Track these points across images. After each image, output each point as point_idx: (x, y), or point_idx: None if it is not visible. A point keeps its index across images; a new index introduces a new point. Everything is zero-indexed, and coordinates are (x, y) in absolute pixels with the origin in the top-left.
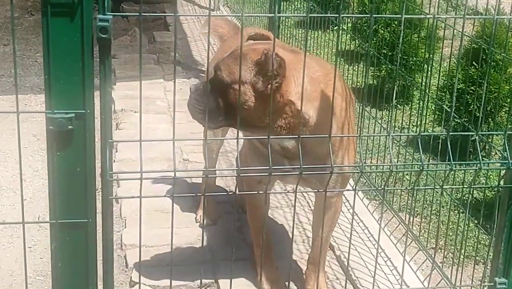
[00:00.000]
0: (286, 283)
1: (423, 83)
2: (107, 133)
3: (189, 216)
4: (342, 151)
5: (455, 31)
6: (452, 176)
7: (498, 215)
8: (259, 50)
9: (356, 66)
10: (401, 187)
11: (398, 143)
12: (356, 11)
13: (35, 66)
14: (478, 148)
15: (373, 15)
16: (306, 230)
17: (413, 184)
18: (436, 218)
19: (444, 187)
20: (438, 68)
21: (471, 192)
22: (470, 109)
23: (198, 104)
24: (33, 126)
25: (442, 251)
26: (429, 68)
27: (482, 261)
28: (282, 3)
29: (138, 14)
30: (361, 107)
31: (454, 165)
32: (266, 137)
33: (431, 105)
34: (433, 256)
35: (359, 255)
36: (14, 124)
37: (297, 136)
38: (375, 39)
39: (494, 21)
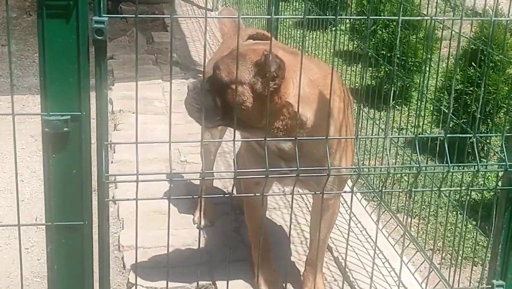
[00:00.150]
0: (284, 284)
1: (421, 84)
2: (103, 135)
3: (186, 217)
4: (339, 153)
5: (457, 32)
6: (450, 177)
7: (496, 217)
8: (259, 51)
9: (355, 67)
10: (399, 188)
11: (396, 145)
12: (354, 12)
13: (33, 67)
14: (476, 150)
15: (370, 17)
16: (304, 231)
17: (412, 186)
18: (435, 219)
19: (441, 189)
20: (437, 69)
21: (469, 194)
22: (469, 110)
23: (196, 103)
24: (31, 127)
25: (440, 252)
26: (425, 68)
27: (480, 262)
28: (280, 3)
29: (134, 15)
30: (359, 108)
31: (451, 167)
32: (263, 139)
33: (430, 106)
34: (431, 257)
35: (357, 257)
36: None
37: (294, 138)
38: (374, 40)
39: (491, 23)
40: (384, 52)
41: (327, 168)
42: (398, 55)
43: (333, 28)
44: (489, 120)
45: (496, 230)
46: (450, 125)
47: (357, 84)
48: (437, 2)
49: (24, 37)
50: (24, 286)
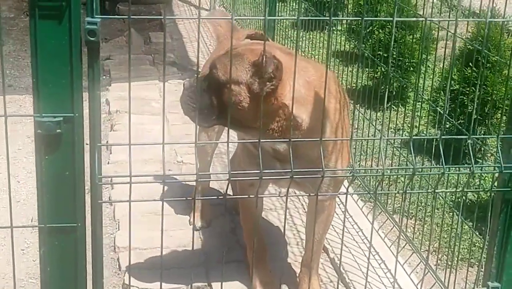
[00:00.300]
0: (279, 286)
1: (417, 85)
2: (96, 136)
3: (183, 218)
4: (335, 154)
5: (454, 33)
6: (447, 178)
7: (491, 219)
8: (256, 51)
9: (352, 68)
10: (394, 190)
11: (392, 146)
12: (352, 12)
13: (30, 67)
14: (471, 151)
15: (364, 18)
16: (300, 232)
17: (406, 187)
18: (431, 220)
19: (436, 190)
20: (434, 69)
21: (465, 195)
22: (466, 111)
23: (191, 102)
24: (28, 128)
25: (436, 253)
26: (419, 69)
27: (476, 263)
28: (278, 4)
29: (127, 16)
30: (355, 109)
31: (446, 169)
32: (257, 140)
33: (426, 107)
34: (426, 258)
35: (353, 258)
36: (9, 125)
37: (288, 139)
38: (370, 40)
39: (486, 24)
40: (381, 53)
41: (321, 169)
42: (394, 56)
43: (331, 29)
44: (487, 121)
45: (491, 232)
46: (447, 126)
47: (354, 85)
48: (433, 3)
49: (21, 38)
50: (20, 288)
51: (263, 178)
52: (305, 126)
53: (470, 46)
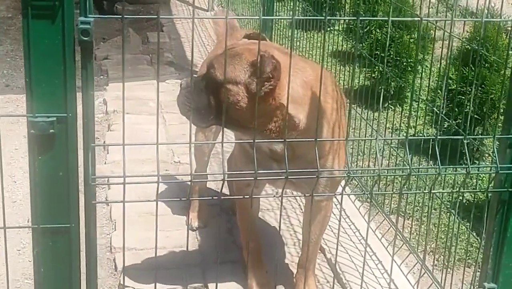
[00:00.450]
0: (275, 286)
1: (413, 84)
2: (90, 137)
3: (180, 218)
4: (332, 155)
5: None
6: (443, 178)
7: (487, 220)
8: (254, 50)
9: (350, 68)
10: (390, 190)
11: (389, 146)
12: (350, 12)
13: None
14: (467, 152)
15: (360, 18)
16: (297, 232)
17: (401, 188)
18: (427, 221)
19: (432, 191)
20: (432, 69)
21: (462, 195)
22: (464, 110)
23: (188, 101)
24: (24, 128)
25: (433, 254)
26: (415, 69)
27: (473, 264)
28: (276, 4)
29: (126, 16)
30: (351, 109)
31: (442, 169)
32: (253, 141)
33: (423, 107)
34: (423, 259)
35: (350, 258)
36: (6, 125)
37: (285, 140)
38: (368, 40)
39: (482, 24)
40: (379, 53)
41: (316, 170)
42: (390, 56)
43: (328, 29)
44: (485, 120)
45: (487, 233)
46: (446, 126)
47: (351, 85)
48: (429, 2)
49: (19, 38)
50: (15, 288)
51: (258, 178)
52: (302, 127)
53: (467, 46)
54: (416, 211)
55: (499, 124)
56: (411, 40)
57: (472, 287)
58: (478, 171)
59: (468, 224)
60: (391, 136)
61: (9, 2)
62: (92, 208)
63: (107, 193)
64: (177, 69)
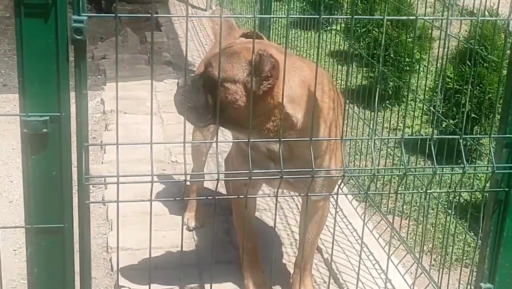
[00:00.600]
0: (272, 286)
1: (409, 84)
2: (83, 136)
3: (177, 218)
4: (329, 155)
5: (447, 31)
6: (440, 178)
7: (484, 220)
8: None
9: (347, 67)
10: (386, 190)
11: (387, 145)
12: (348, 11)
13: None
14: (463, 151)
15: (355, 16)
16: (294, 232)
17: (398, 188)
18: (424, 221)
19: (428, 190)
20: (431, 69)
21: (459, 195)
22: (460, 110)
23: (185, 100)
24: None
25: (431, 254)
26: (412, 67)
27: (471, 263)
28: (274, 3)
29: (121, 14)
30: (348, 108)
31: (437, 169)
32: (252, 140)
33: (422, 106)
34: (419, 259)
35: (347, 258)
36: (3, 125)
37: (282, 139)
38: (367, 39)
39: (477, 22)
40: (377, 52)
41: (311, 169)
42: (389, 55)
43: (327, 29)
44: (483, 120)
45: (484, 233)
46: (444, 125)
47: (348, 84)
48: (426, 2)
49: None
50: (11, 288)
51: (253, 177)
52: (300, 126)
53: (465, 45)
54: (414, 211)
55: (496, 124)
56: (409, 39)
57: (468, 287)
58: (475, 170)
59: (465, 224)
60: (388, 136)
61: (7, 1)
62: (86, 208)
63: (104, 192)
64: (175, 69)
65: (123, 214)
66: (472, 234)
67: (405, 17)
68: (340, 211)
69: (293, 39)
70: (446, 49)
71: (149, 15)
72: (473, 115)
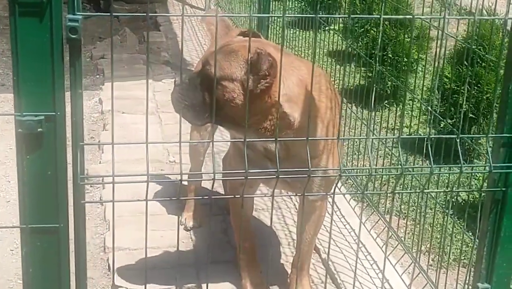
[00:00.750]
0: (270, 286)
1: (407, 83)
2: (79, 136)
3: (174, 218)
4: (326, 154)
5: (445, 31)
6: (438, 178)
7: (481, 219)
8: (251, 48)
9: (346, 67)
10: (382, 190)
11: (385, 145)
12: (347, 11)
13: None
14: (459, 151)
15: (351, 16)
16: (292, 232)
17: (394, 187)
18: (422, 221)
19: (425, 190)
20: (430, 69)
21: (456, 194)
22: (458, 110)
23: (182, 99)
24: None
25: (428, 254)
26: (409, 67)
27: (468, 263)
28: (272, 3)
29: (109, 14)
30: (347, 108)
31: (435, 169)
32: (249, 139)
33: (419, 106)
34: (416, 259)
35: (345, 258)
36: (0, 124)
37: (279, 139)
38: (365, 39)
39: (474, 21)
40: (375, 52)
41: (308, 169)
42: (387, 55)
43: (326, 28)
44: (481, 120)
45: (481, 233)
46: (442, 125)
47: (346, 84)
48: (423, 1)
49: None
50: (9, 288)
51: (249, 177)
52: (297, 125)
53: (463, 45)
54: (412, 210)
55: (494, 124)
56: (407, 39)
57: (465, 287)
58: (472, 170)
59: (463, 223)
60: (386, 135)
61: (6, 1)
62: (81, 208)
63: (101, 192)
64: (173, 69)
65: (120, 214)
66: (470, 233)
67: (401, 16)
68: (338, 211)
69: (291, 39)
70: (442, 48)
71: (145, 14)
72: (471, 115)
